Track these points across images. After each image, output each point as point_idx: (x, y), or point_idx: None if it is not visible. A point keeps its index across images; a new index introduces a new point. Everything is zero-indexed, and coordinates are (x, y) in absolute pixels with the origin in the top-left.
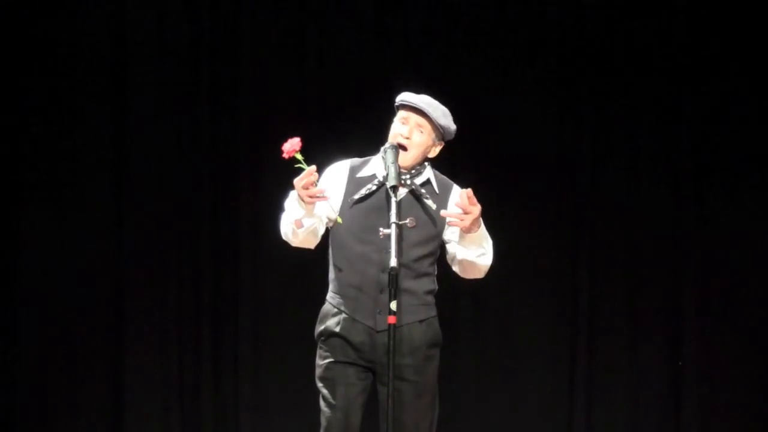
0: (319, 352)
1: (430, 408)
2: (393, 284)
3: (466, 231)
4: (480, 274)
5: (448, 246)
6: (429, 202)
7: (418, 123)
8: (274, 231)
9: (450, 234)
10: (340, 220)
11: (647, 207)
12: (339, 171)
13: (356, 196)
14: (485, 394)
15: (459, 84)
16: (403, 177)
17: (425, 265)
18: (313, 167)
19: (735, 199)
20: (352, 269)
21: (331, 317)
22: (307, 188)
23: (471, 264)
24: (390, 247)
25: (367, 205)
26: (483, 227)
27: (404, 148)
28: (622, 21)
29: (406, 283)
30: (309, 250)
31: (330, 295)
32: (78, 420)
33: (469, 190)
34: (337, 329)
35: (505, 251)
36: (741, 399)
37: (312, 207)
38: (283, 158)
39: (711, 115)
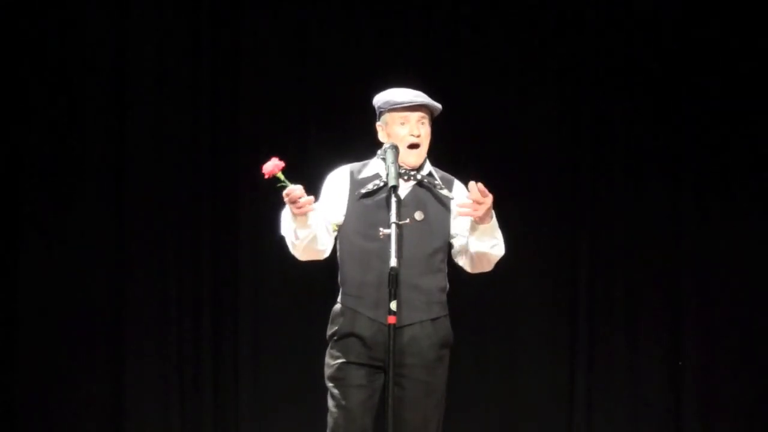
0: (330, 351)
1: (438, 408)
2: (393, 284)
3: (479, 221)
4: (490, 266)
5: (454, 240)
6: (445, 192)
7: (418, 117)
8: (274, 231)
9: (457, 227)
10: (335, 227)
11: (648, 207)
12: (340, 176)
13: (363, 190)
14: (485, 393)
15: (459, 87)
16: (411, 173)
17: (438, 261)
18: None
19: (735, 198)
20: (360, 266)
21: (343, 316)
22: (294, 201)
23: (484, 255)
24: (390, 247)
25: (373, 202)
26: (494, 217)
27: (417, 146)
28: (623, 23)
29: (418, 279)
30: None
31: (341, 297)
32: (78, 420)
33: (480, 184)
34: (349, 327)
35: (506, 252)
36: (741, 399)
37: (304, 218)
38: (265, 177)
39: (711, 116)
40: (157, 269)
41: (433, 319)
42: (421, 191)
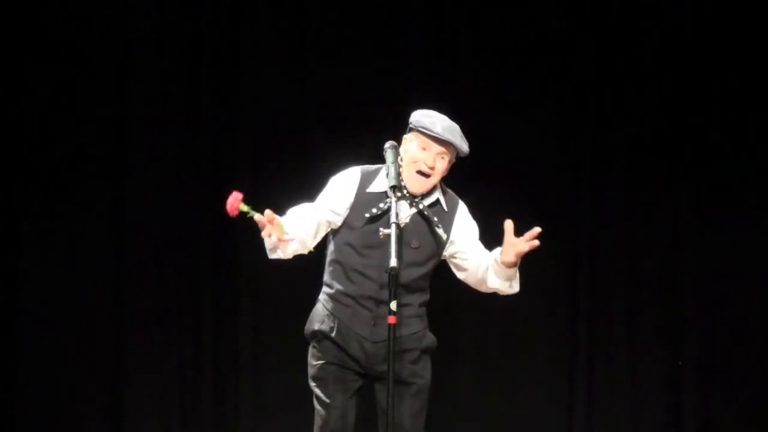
0: (312, 351)
1: (424, 409)
2: (393, 284)
3: (511, 264)
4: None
5: (459, 261)
6: (440, 231)
7: (440, 151)
8: None
9: (456, 248)
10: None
11: (647, 208)
12: (349, 181)
13: (367, 215)
14: (485, 394)
15: (460, 92)
16: (415, 200)
17: (422, 281)
18: (267, 213)
19: (734, 201)
20: (349, 281)
21: (325, 320)
22: (270, 235)
23: (500, 292)
24: (390, 247)
25: (374, 225)
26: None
27: (426, 176)
28: (624, 33)
29: (404, 298)
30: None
31: (324, 298)
32: (78, 421)
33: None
34: (332, 334)
35: None
36: (741, 399)
37: (285, 244)
38: (232, 216)
39: (711, 125)
40: (157, 269)
41: (414, 333)
42: (420, 221)
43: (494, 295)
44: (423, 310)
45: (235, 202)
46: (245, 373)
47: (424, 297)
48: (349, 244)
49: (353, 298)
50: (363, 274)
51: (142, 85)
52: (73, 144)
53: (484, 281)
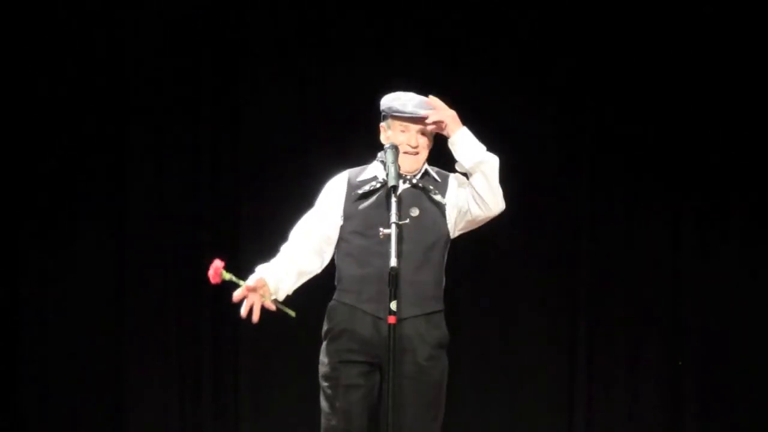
0: (325, 350)
1: (430, 408)
2: (392, 284)
3: (449, 132)
4: (495, 176)
5: (465, 201)
6: (438, 198)
7: (419, 129)
8: (274, 232)
9: (459, 206)
10: (293, 314)
11: (647, 209)
12: (337, 184)
13: (360, 191)
14: (485, 394)
15: (460, 93)
16: (407, 178)
17: (435, 255)
18: (247, 284)
19: (735, 200)
20: (358, 264)
21: (337, 311)
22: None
23: (481, 164)
24: (390, 247)
25: (370, 203)
26: (469, 133)
27: (414, 154)
28: (624, 32)
29: (414, 274)
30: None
31: (337, 294)
32: (78, 420)
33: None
34: (346, 323)
35: (507, 253)
36: (741, 399)
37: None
38: (215, 284)
39: (712, 125)
40: (157, 269)
41: (427, 314)
42: (415, 191)
43: (494, 295)
44: (439, 291)
45: (216, 272)
46: (245, 373)
47: (440, 276)
48: (354, 232)
49: (362, 279)
50: (373, 254)
51: (142, 86)
52: (74, 144)
53: (476, 192)
